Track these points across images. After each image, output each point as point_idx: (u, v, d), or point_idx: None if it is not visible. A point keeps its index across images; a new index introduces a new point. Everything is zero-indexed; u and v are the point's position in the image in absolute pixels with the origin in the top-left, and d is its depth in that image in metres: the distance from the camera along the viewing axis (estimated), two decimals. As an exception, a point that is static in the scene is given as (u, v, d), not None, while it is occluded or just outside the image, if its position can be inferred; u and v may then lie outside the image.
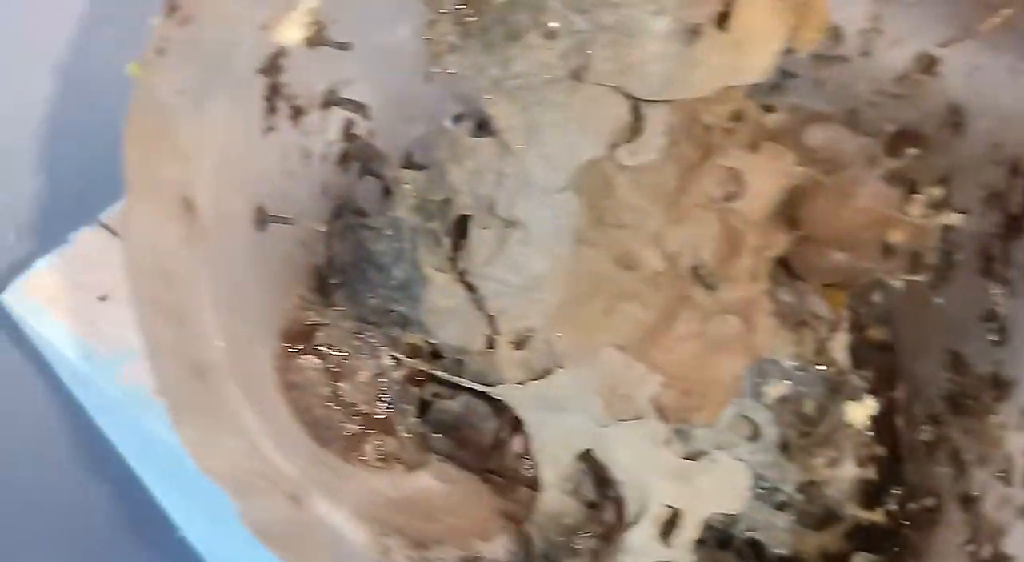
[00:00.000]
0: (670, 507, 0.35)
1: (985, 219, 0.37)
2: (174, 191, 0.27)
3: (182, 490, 0.41)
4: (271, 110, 0.32)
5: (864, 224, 0.38)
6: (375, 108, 0.39)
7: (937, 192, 0.40)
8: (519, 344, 0.40)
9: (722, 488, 0.36)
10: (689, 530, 0.35)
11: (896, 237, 0.37)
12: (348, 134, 0.38)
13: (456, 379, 0.36)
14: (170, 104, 0.27)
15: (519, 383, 0.37)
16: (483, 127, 0.44)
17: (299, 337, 0.33)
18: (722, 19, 0.32)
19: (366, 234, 0.40)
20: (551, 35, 0.35)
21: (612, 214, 0.42)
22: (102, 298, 0.45)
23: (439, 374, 0.36)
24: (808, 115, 0.41)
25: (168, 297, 0.26)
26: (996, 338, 0.36)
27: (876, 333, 0.43)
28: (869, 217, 0.37)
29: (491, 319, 0.40)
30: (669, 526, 0.35)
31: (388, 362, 0.35)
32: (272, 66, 0.31)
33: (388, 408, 0.34)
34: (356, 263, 0.40)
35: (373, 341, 0.35)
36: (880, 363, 0.43)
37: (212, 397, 0.26)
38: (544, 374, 0.40)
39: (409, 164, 0.41)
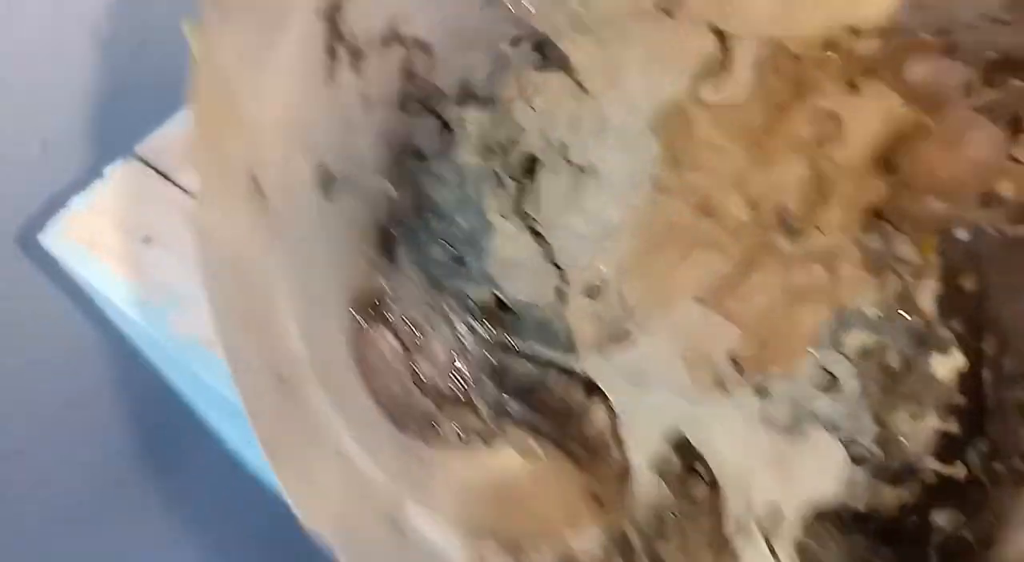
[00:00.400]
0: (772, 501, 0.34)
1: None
2: (241, 170, 0.24)
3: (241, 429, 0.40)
4: (331, 56, 0.29)
5: (970, 171, 0.35)
6: (433, 41, 0.35)
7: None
8: (590, 295, 0.38)
9: (819, 470, 0.35)
10: (793, 528, 0.34)
11: (1005, 187, 0.34)
12: (407, 73, 0.35)
13: (544, 353, 0.34)
14: (232, 70, 0.24)
15: (596, 347, 0.35)
16: (543, 51, 0.40)
17: (370, 307, 0.31)
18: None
19: (428, 181, 0.37)
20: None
21: (690, 156, 0.39)
22: (146, 241, 0.43)
23: (519, 347, 0.34)
24: (907, 43, 0.37)
25: (246, 302, 0.24)
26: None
27: (965, 280, 0.40)
28: (977, 165, 0.34)
29: (561, 270, 0.38)
30: (773, 526, 0.34)
31: (462, 328, 0.33)
32: (332, 6, 0.28)
33: (464, 380, 0.32)
34: (419, 213, 0.37)
35: (445, 307, 0.33)
36: (968, 312, 0.40)
37: (298, 408, 0.24)
38: (616, 327, 0.38)
39: (468, 98, 0.37)
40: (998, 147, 0.34)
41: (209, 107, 0.23)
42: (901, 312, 0.40)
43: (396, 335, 0.31)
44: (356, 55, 0.30)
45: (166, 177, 0.45)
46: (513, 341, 0.34)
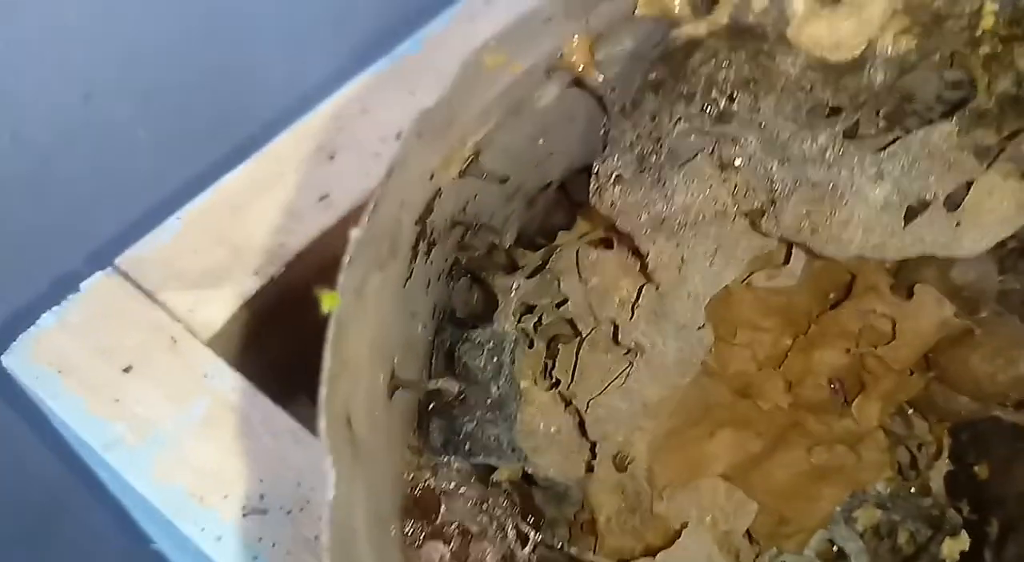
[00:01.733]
0: None
1: None
2: (342, 419, 0.22)
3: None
4: (413, 257, 0.26)
5: (1012, 384, 0.35)
6: (489, 221, 0.33)
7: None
8: (619, 469, 0.37)
9: None
10: None
11: (1041, 399, 0.35)
12: (461, 245, 0.33)
13: (592, 559, 0.33)
14: (348, 317, 0.21)
15: (645, 556, 0.34)
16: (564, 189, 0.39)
17: (421, 514, 0.29)
18: (951, 198, 0.28)
19: (465, 348, 0.35)
20: (726, 166, 0.30)
21: (727, 329, 0.38)
22: (126, 369, 0.39)
23: (575, 554, 0.33)
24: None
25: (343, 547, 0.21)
26: None
27: (975, 464, 0.41)
28: (1020, 379, 0.35)
29: (592, 445, 0.36)
30: None
31: (512, 536, 0.31)
32: (427, 211, 0.25)
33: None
34: (454, 382, 0.35)
35: (498, 512, 0.31)
36: (975, 495, 0.41)
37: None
38: (638, 501, 0.37)
39: (516, 268, 0.35)
40: (1045, 366, 0.34)
41: (333, 372, 0.20)
42: (912, 491, 0.40)
43: (445, 542, 0.29)
44: (431, 245, 0.27)
45: (150, 296, 0.41)
46: (555, 539, 0.32)
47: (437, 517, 0.29)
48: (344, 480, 0.22)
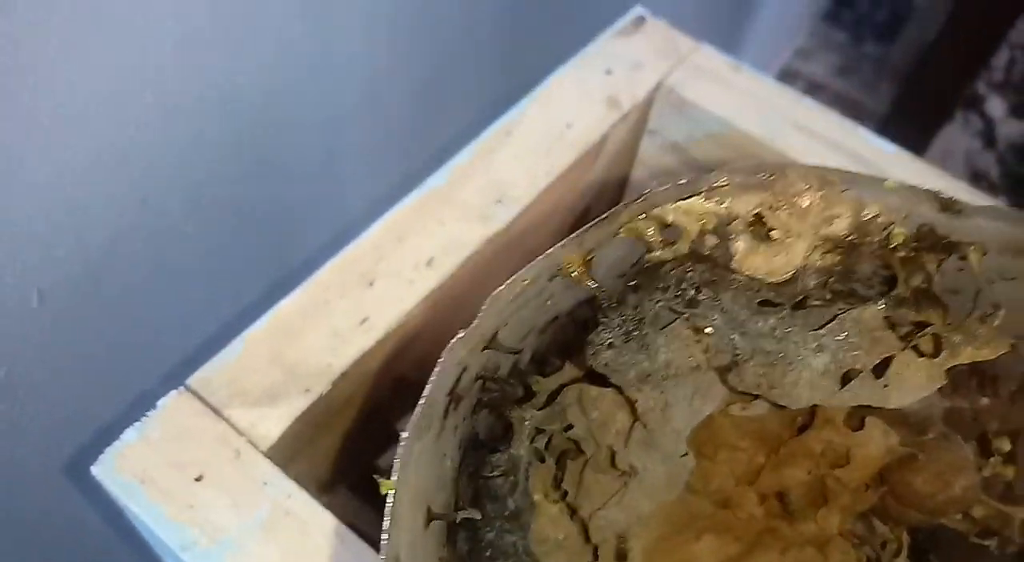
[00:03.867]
0: None
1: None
2: (392, 557, 0.29)
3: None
4: (444, 416, 0.33)
5: (951, 502, 0.41)
6: (517, 345, 0.40)
7: (1006, 447, 0.44)
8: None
9: None
10: None
11: (978, 512, 0.41)
12: (483, 389, 0.40)
13: None
14: (396, 480, 0.28)
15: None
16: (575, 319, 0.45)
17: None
18: (878, 367, 0.35)
19: (486, 471, 0.42)
20: (699, 331, 0.37)
21: (709, 449, 0.44)
22: (198, 479, 0.46)
23: None
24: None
25: None
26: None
27: (929, 559, 0.47)
28: (957, 500, 0.41)
29: (595, 548, 0.43)
30: None
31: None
32: (456, 383, 0.32)
33: None
34: (475, 499, 0.42)
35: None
36: (931, 588, 0.47)
37: None
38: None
39: (529, 401, 0.42)
40: (976, 489, 0.40)
41: (390, 524, 0.27)
42: (876, 585, 0.46)
43: None
44: (458, 402, 0.34)
45: (216, 412, 0.48)
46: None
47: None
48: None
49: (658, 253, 0.31)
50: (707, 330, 0.35)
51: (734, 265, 0.30)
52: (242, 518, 0.45)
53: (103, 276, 0.49)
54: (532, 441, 0.43)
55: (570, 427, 0.42)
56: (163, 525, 0.44)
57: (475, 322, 0.28)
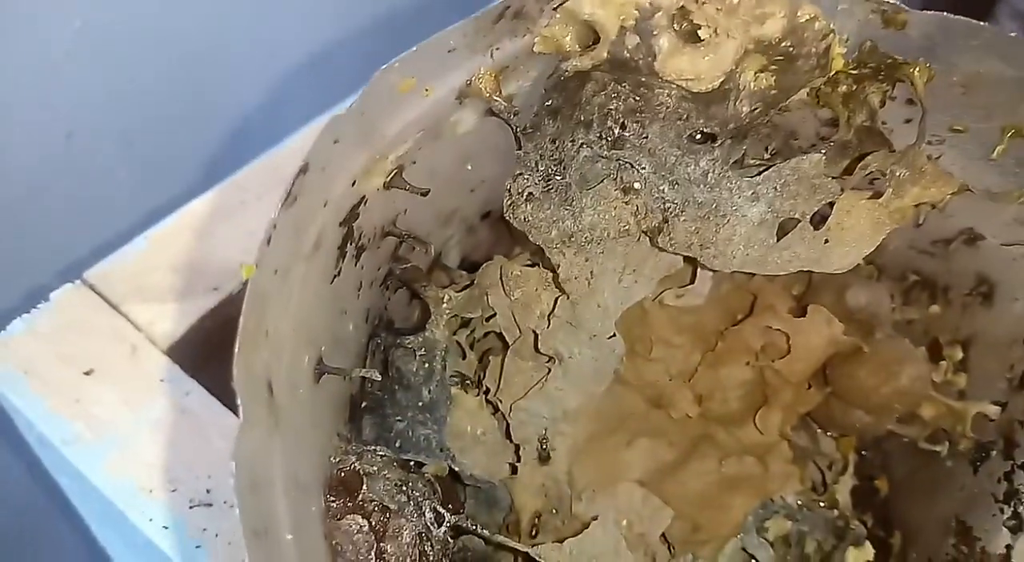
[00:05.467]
0: None
1: (1012, 403, 0.38)
2: (263, 381, 0.25)
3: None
4: (342, 256, 0.30)
5: (897, 397, 0.38)
6: (423, 232, 0.37)
7: (958, 355, 0.41)
8: (541, 461, 0.40)
9: None
10: None
11: (927, 412, 0.38)
12: (395, 256, 0.36)
13: (503, 540, 0.35)
14: (267, 290, 0.25)
15: (555, 541, 0.36)
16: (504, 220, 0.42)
17: (344, 491, 0.32)
18: (817, 218, 0.32)
19: (398, 354, 0.38)
20: (628, 190, 0.34)
21: (643, 345, 0.41)
22: (88, 373, 0.42)
23: (485, 535, 0.35)
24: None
25: (257, 510, 0.24)
26: (1012, 522, 0.37)
27: (878, 480, 0.44)
28: (904, 392, 0.38)
29: (516, 447, 0.39)
30: None
31: (430, 516, 0.34)
32: (351, 216, 0.29)
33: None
34: (386, 383, 0.38)
35: (417, 494, 0.34)
36: (879, 509, 0.44)
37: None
38: (560, 503, 0.40)
39: (447, 280, 0.39)
40: (924, 380, 0.37)
41: (247, 330, 0.23)
42: (821, 504, 0.43)
43: (365, 516, 0.32)
44: (360, 250, 0.31)
45: (114, 307, 0.44)
46: (469, 522, 0.35)
47: (359, 495, 0.32)
48: (260, 433, 0.25)
49: (575, 62, 0.28)
50: (636, 186, 0.32)
51: (657, 67, 0.27)
52: (132, 414, 0.42)
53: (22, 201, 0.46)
54: (454, 334, 0.40)
55: (493, 317, 0.39)
56: (44, 418, 0.40)
57: (359, 119, 0.25)
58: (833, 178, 0.30)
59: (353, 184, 0.28)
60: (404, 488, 0.33)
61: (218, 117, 0.60)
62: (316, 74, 0.63)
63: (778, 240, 0.31)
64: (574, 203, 0.33)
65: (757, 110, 0.29)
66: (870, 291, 0.39)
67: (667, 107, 0.29)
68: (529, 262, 0.38)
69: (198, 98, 0.56)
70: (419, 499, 0.33)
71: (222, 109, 0.60)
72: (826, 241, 0.31)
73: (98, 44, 0.46)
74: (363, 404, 0.37)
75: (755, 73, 0.28)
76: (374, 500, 0.32)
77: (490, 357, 0.40)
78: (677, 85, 0.28)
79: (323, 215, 0.27)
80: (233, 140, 0.62)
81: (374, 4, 0.61)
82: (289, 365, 0.28)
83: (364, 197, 0.30)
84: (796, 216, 0.31)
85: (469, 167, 0.36)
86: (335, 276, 0.31)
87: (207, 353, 0.45)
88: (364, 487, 0.32)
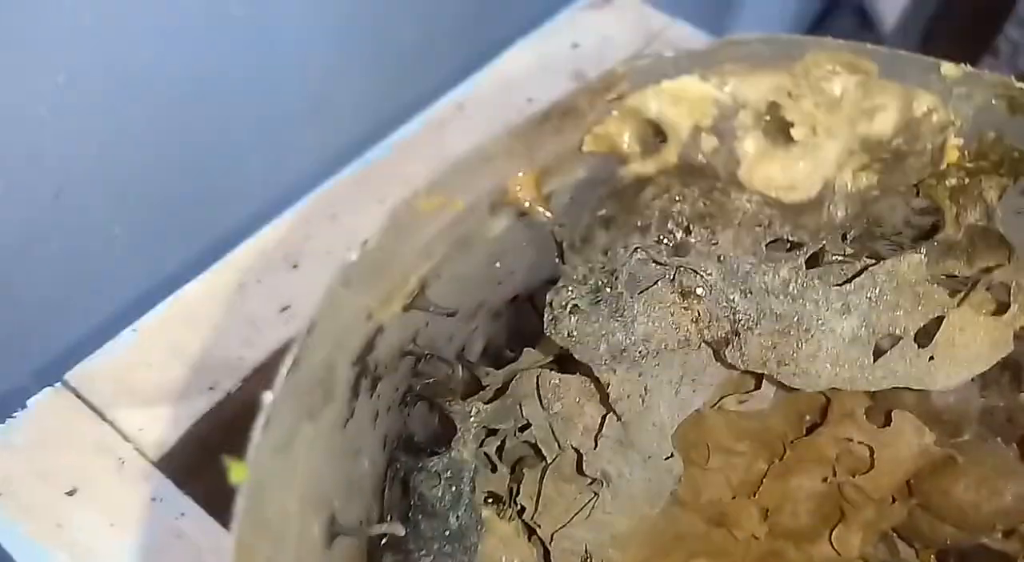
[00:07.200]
0: None
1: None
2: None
3: None
4: (353, 397, 0.25)
5: (1000, 515, 0.33)
6: (442, 347, 0.32)
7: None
8: (586, 604, 0.34)
9: None
10: None
11: (1028, 530, 0.33)
12: (415, 372, 0.31)
13: None
14: (264, 479, 0.20)
15: None
16: (532, 300, 0.37)
17: None
18: (923, 332, 0.27)
19: (421, 478, 0.33)
20: (687, 295, 0.29)
21: (699, 453, 0.36)
22: (70, 492, 0.37)
23: None
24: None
25: None
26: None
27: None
28: (1009, 511, 0.33)
29: (558, 578, 0.34)
30: None
31: None
32: (367, 349, 0.24)
33: None
34: (408, 514, 0.33)
35: None
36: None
37: None
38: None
39: (474, 392, 0.34)
40: (1028, 497, 0.32)
41: (243, 545, 0.18)
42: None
43: None
44: (375, 381, 0.26)
45: (99, 414, 0.39)
46: None
47: None
48: None
49: (636, 166, 0.23)
50: (698, 291, 0.27)
51: (741, 176, 0.22)
52: (121, 541, 0.37)
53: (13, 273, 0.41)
54: (481, 445, 0.35)
55: (527, 427, 0.34)
56: (21, 546, 0.35)
57: (375, 256, 0.20)
58: (939, 285, 0.25)
59: (369, 317, 0.23)
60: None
61: (216, 166, 0.55)
62: (316, 114, 0.59)
63: (875, 359, 0.26)
64: (625, 313, 0.28)
65: (853, 214, 0.24)
66: (958, 389, 0.33)
67: (745, 213, 0.24)
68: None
69: (192, 146, 0.51)
70: None
71: (219, 158, 0.55)
72: (931, 358, 0.26)
73: (84, 96, 0.41)
74: (382, 541, 0.32)
75: (854, 171, 0.23)
76: None
77: (524, 469, 0.35)
78: (764, 195, 0.22)
79: (333, 358, 0.22)
80: (232, 190, 0.58)
81: (375, 40, 0.56)
82: (296, 544, 0.23)
83: (381, 326, 0.25)
84: (897, 332, 0.25)
85: (498, 265, 0.31)
86: (347, 420, 0.25)
87: (202, 461, 0.40)
88: None
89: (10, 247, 0.40)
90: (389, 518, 0.32)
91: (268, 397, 0.19)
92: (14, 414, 0.39)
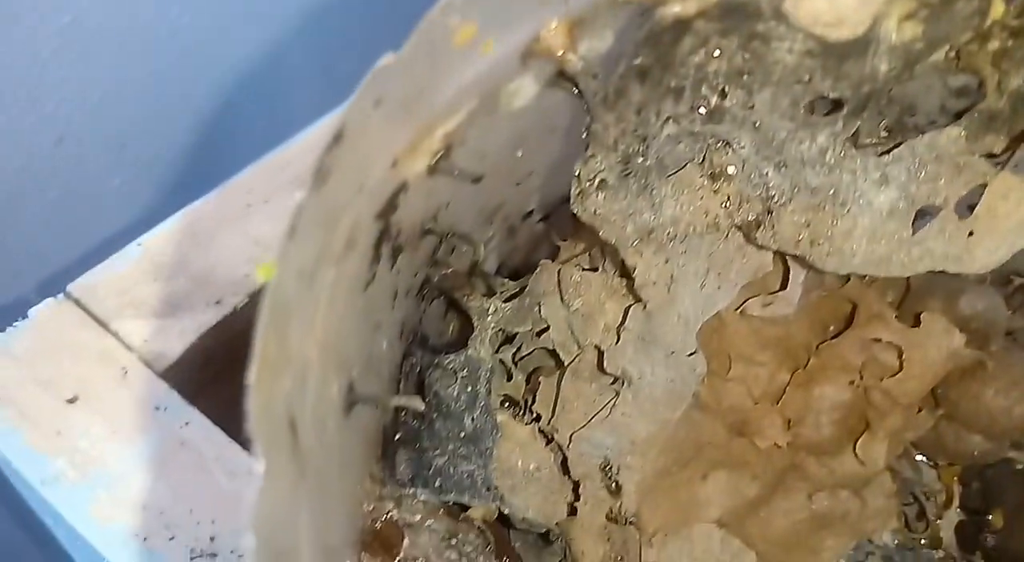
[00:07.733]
0: None
1: None
2: (284, 420, 0.19)
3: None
4: (375, 258, 0.24)
5: (1027, 419, 0.32)
6: (467, 229, 0.31)
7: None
8: (607, 515, 0.33)
9: None
10: None
11: (1059, 438, 0.32)
12: (433, 261, 0.30)
13: None
14: (290, 300, 0.19)
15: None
16: (547, 221, 0.37)
17: (381, 548, 0.26)
18: (963, 203, 0.26)
19: (436, 375, 0.32)
20: (718, 176, 0.28)
21: (719, 363, 0.35)
22: (71, 400, 0.36)
23: None
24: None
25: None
26: None
27: (988, 512, 0.38)
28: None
29: (575, 484, 0.33)
30: None
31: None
32: (390, 207, 0.23)
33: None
34: (423, 411, 0.32)
35: (469, 549, 0.28)
36: (989, 547, 0.38)
37: None
38: (626, 549, 0.34)
39: (493, 289, 0.33)
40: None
41: (266, 354, 0.17)
42: (922, 542, 0.37)
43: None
44: (396, 251, 0.25)
45: (103, 324, 0.38)
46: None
47: (399, 552, 0.26)
48: (283, 489, 0.19)
49: (676, 6, 0.22)
50: (729, 170, 0.26)
51: (787, 9, 0.21)
52: (123, 449, 0.35)
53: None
54: (497, 350, 0.34)
55: (544, 331, 0.33)
56: (21, 453, 0.34)
57: (407, 77, 0.19)
58: (982, 156, 0.24)
59: (394, 165, 0.22)
60: (453, 542, 0.26)
61: (217, 115, 0.54)
62: (318, 66, 0.58)
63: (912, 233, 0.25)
64: (654, 192, 0.27)
65: (895, 71, 0.23)
66: (986, 296, 0.33)
67: (784, 66, 0.23)
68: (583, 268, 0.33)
69: (195, 96, 0.50)
70: (472, 555, 0.27)
71: (221, 107, 0.54)
72: (971, 233, 0.25)
73: (89, 41, 0.40)
74: (397, 436, 0.31)
75: (899, 20, 0.22)
76: (418, 558, 0.26)
77: (540, 378, 0.34)
78: (808, 33, 0.22)
79: (358, 203, 0.21)
80: (234, 140, 0.57)
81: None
82: (316, 396, 0.22)
83: (405, 182, 0.24)
84: (937, 202, 0.24)
85: (519, 154, 0.31)
86: (368, 282, 0.24)
87: (208, 376, 0.39)
88: (405, 542, 0.26)
89: (4, 191, 0.39)
90: (404, 416, 0.31)
91: (299, 198, 0.18)
92: (14, 323, 0.38)
